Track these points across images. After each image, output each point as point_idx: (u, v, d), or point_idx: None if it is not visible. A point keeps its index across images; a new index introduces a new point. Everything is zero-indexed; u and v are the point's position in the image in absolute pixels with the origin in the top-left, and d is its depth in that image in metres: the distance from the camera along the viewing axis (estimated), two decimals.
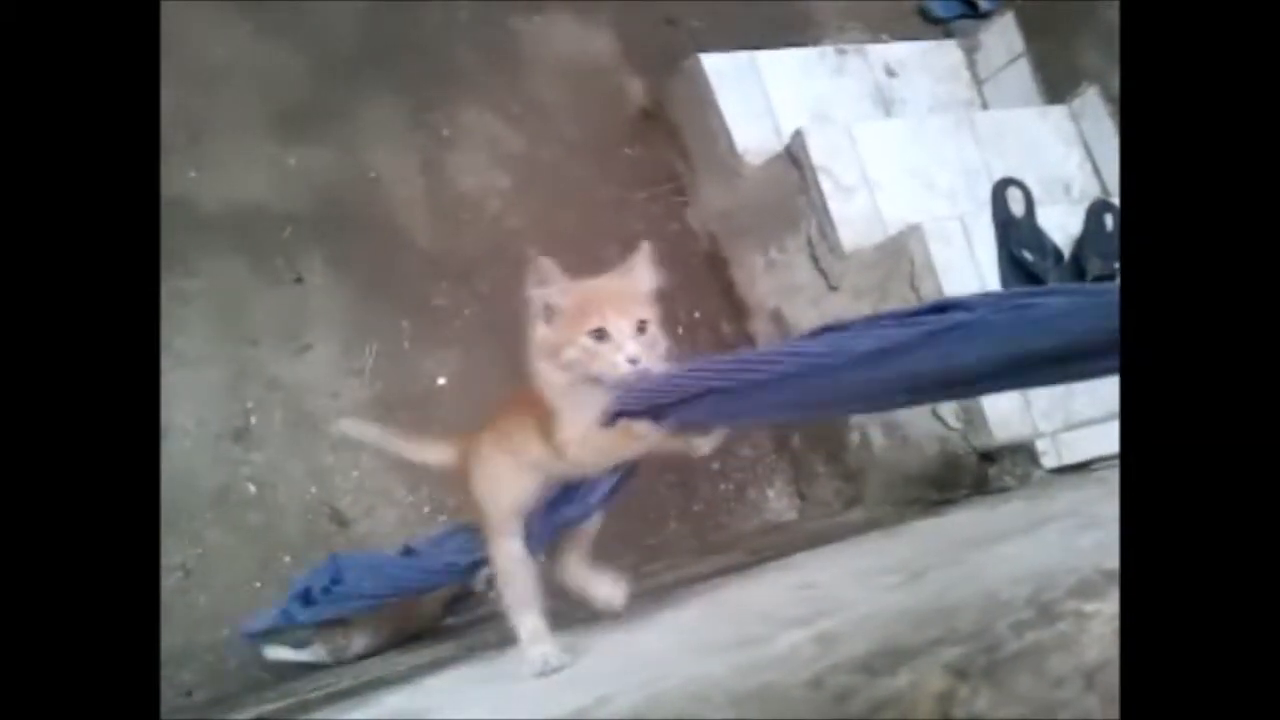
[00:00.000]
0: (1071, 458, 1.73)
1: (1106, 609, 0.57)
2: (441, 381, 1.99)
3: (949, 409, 1.81)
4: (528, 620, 1.20)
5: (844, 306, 1.98)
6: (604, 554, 1.91)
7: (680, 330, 2.26)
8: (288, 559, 1.77)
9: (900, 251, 1.86)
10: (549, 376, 1.16)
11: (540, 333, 1.16)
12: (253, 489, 1.80)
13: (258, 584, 1.73)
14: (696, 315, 2.28)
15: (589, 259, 2.19)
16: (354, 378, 1.94)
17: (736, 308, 2.29)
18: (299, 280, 1.99)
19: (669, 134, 2.40)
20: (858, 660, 0.57)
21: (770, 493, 2.15)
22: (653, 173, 2.38)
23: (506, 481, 1.25)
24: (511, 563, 1.24)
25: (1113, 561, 0.60)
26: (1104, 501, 1.14)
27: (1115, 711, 0.50)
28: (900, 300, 1.87)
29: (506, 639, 1.22)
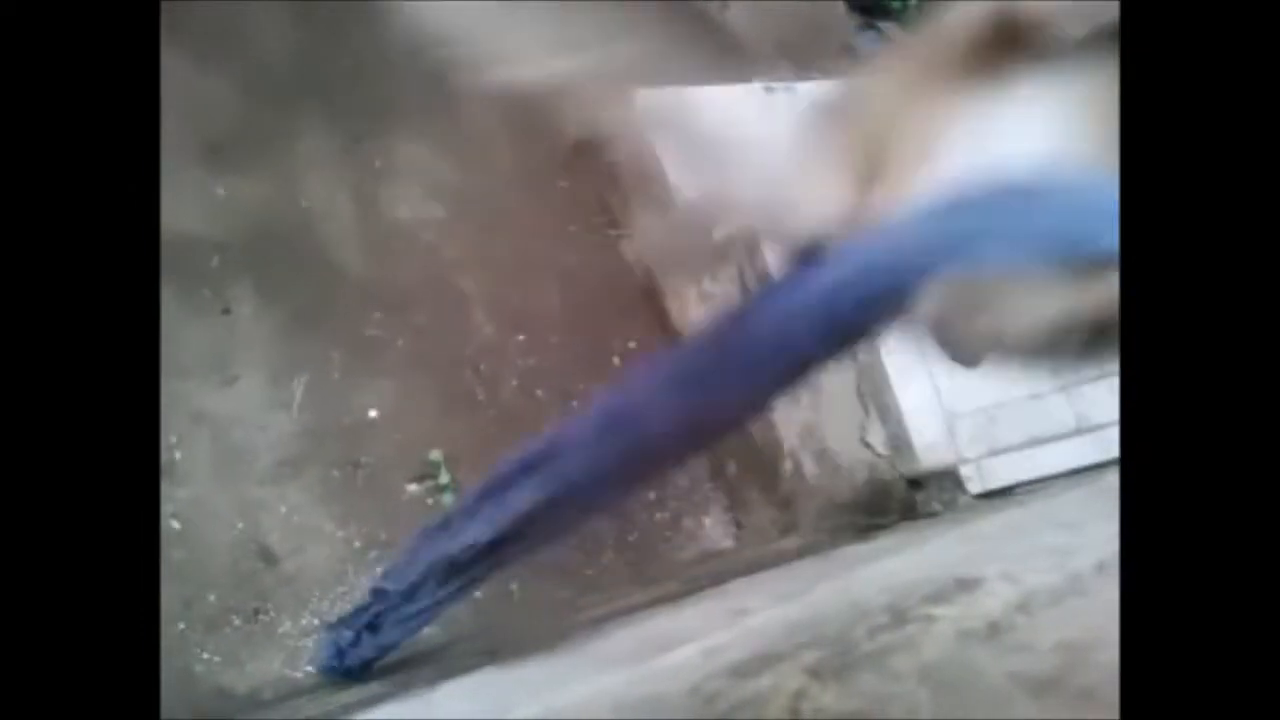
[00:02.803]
0: (995, 483, 1.79)
1: (951, 613, 0.60)
2: (373, 414, 1.96)
3: (877, 437, 1.86)
4: None
5: None
6: (538, 588, 1.91)
7: (617, 360, 2.28)
8: (213, 598, 1.71)
9: None
10: None
11: None
12: (177, 525, 1.75)
13: (181, 625, 1.68)
14: (632, 346, 2.30)
15: (523, 291, 2.23)
16: (282, 411, 1.91)
17: (673, 339, 2.32)
18: (227, 311, 1.95)
19: (602, 166, 2.43)
20: (731, 666, 0.61)
21: (707, 521, 2.16)
22: (587, 205, 2.41)
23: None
24: None
25: (965, 570, 0.64)
26: (987, 520, 1.19)
27: (945, 703, 0.53)
28: None
29: (441, 674, 1.21)
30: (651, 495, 2.10)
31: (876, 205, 1.00)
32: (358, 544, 1.84)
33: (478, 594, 1.79)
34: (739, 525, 2.18)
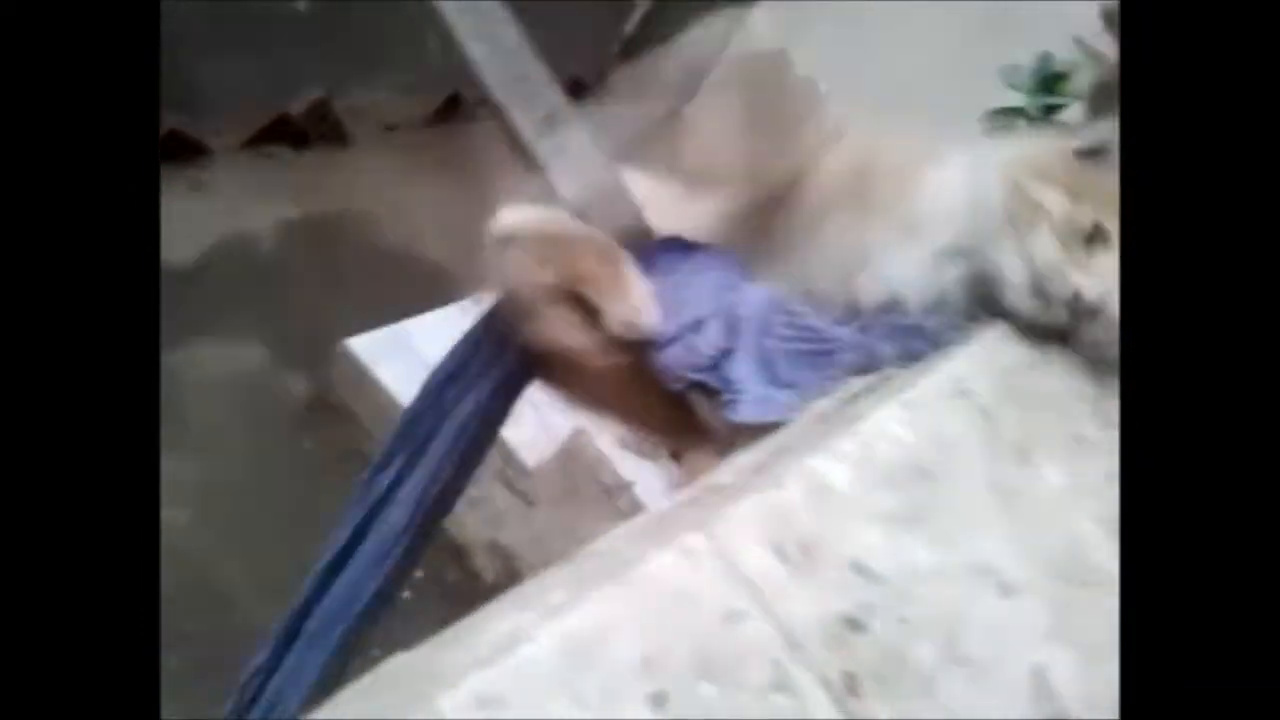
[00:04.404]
0: None
1: None
2: None
3: None
4: None
5: (548, 516, 2.12)
6: None
7: (409, 594, 2.26)
8: None
9: (574, 454, 2.04)
10: None
11: None
12: None
13: None
14: (420, 574, 2.29)
15: (295, 561, 2.18)
16: None
17: (455, 551, 2.34)
18: None
19: (343, 416, 2.48)
20: None
21: None
22: (338, 455, 2.43)
23: None
24: None
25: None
26: None
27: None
28: (592, 498, 2.03)
29: None
30: None
31: None
32: None
33: None
34: None
